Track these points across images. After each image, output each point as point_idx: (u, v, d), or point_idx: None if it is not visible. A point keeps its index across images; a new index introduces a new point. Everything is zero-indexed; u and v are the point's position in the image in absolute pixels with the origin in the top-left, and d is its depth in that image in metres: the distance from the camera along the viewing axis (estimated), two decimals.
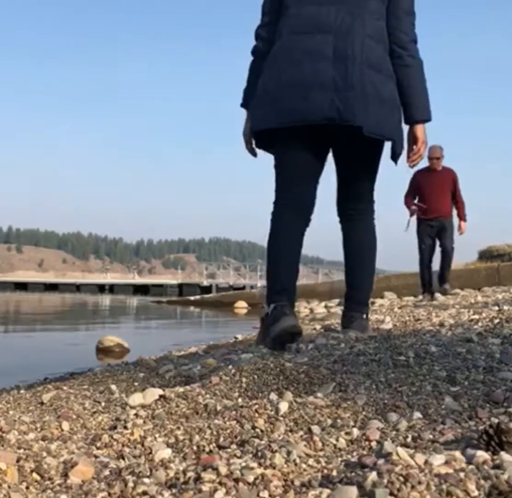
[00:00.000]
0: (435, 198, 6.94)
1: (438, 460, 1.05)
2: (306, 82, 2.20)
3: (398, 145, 2.39)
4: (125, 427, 1.50)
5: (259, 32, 2.41)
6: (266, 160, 2.70)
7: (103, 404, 1.85)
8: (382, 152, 2.46)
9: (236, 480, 1.06)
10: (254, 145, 2.49)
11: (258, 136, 2.43)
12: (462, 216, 7.20)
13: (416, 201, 7.14)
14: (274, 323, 2.26)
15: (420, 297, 7.32)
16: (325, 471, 1.11)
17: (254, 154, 2.54)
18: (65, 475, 1.22)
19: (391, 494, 0.92)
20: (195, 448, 1.36)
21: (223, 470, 1.09)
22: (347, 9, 2.24)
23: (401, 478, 0.95)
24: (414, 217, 7.17)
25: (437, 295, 7.28)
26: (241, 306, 12.47)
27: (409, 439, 1.26)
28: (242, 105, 2.50)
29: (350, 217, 2.50)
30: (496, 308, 3.68)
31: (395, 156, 2.42)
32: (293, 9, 2.29)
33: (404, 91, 2.35)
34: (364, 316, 2.58)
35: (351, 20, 2.24)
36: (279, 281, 2.33)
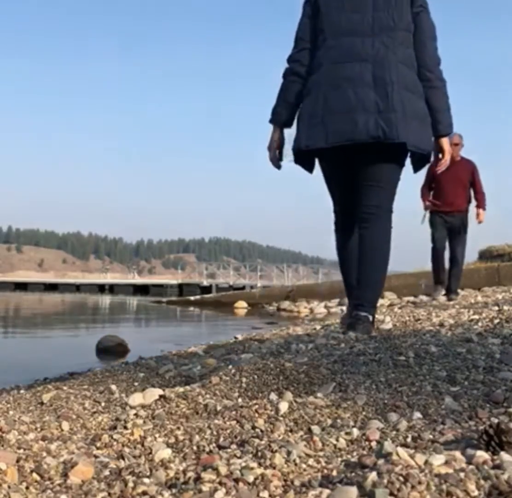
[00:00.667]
0: (450, 191, 6.40)
1: (438, 460, 1.05)
2: (351, 106, 2.47)
3: (430, 155, 2.68)
4: (125, 427, 1.50)
5: (294, 57, 2.64)
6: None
7: (103, 404, 1.85)
8: (405, 163, 2.69)
9: (236, 480, 1.06)
10: (291, 161, 2.73)
11: (299, 154, 2.65)
12: (481, 204, 6.54)
13: (432, 193, 6.61)
14: (351, 329, 2.55)
15: (432, 292, 6.90)
16: (325, 471, 1.11)
17: (278, 167, 2.79)
18: (65, 475, 1.22)
19: (391, 494, 0.92)
20: (195, 448, 1.36)
21: (223, 470, 1.09)
22: (380, 40, 2.52)
23: (401, 478, 0.95)
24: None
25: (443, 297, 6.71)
26: (241, 306, 12.47)
27: (409, 439, 1.26)
28: (271, 121, 2.70)
29: (367, 220, 2.65)
30: (496, 308, 3.68)
31: (425, 163, 2.73)
32: (331, 41, 2.55)
33: (431, 109, 2.63)
34: (370, 318, 2.59)
35: (385, 50, 2.52)
36: (351, 285, 2.72)
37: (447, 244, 6.68)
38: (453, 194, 6.41)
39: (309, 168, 2.74)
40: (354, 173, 2.67)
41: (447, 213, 6.48)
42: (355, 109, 2.47)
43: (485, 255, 15.47)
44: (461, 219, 6.49)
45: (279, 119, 2.68)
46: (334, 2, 2.56)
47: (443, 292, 6.63)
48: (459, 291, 7.00)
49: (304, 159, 2.69)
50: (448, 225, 6.49)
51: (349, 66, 2.50)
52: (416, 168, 2.71)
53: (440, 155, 2.74)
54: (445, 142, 2.71)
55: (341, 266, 2.81)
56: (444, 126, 2.67)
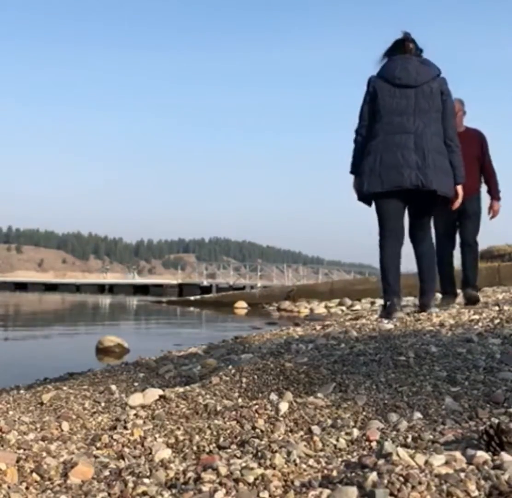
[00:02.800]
0: None
1: (438, 460, 1.05)
2: (399, 163, 3.57)
3: (451, 198, 3.82)
4: (125, 427, 1.50)
5: (359, 131, 3.74)
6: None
7: (103, 404, 1.85)
8: (435, 202, 3.81)
9: (236, 481, 1.06)
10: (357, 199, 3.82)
11: (364, 195, 3.75)
12: (494, 193, 5.12)
13: None
14: (389, 314, 3.54)
15: (439, 299, 5.25)
16: (325, 471, 1.11)
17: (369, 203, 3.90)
18: (65, 476, 1.22)
19: (391, 494, 0.92)
20: (195, 448, 1.36)
21: (223, 470, 1.09)
22: (420, 119, 3.62)
23: (401, 479, 0.95)
24: None
25: (459, 299, 5.20)
26: (241, 306, 12.46)
27: (409, 439, 1.25)
28: (352, 173, 3.85)
29: (421, 239, 3.84)
30: (497, 308, 3.68)
31: (449, 203, 3.85)
32: (386, 118, 3.64)
33: (451, 165, 3.73)
34: (431, 303, 3.80)
35: (423, 125, 3.62)
36: (390, 285, 3.68)
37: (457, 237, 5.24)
38: None
39: (368, 203, 3.82)
40: (403, 209, 3.78)
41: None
42: (402, 166, 3.55)
43: (486, 255, 15.46)
44: (471, 202, 4.97)
45: (354, 172, 3.80)
46: (388, 92, 3.64)
47: (456, 301, 5.14)
48: (458, 290, 5.32)
49: (366, 199, 3.79)
50: (454, 215, 4.98)
51: (398, 137, 3.61)
52: (450, 204, 3.86)
53: (456, 198, 3.82)
54: (460, 188, 3.78)
55: (385, 269, 3.76)
56: (459, 177, 3.75)
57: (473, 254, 5.24)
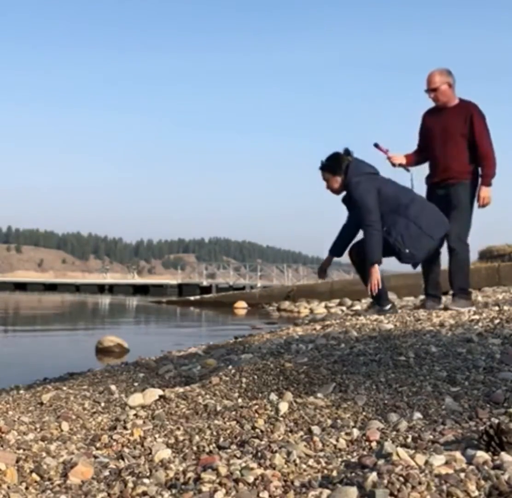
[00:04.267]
0: (442, 150, 4.26)
1: (438, 460, 1.05)
2: (438, 222, 4.30)
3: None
4: (125, 428, 1.50)
5: (376, 220, 4.26)
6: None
7: (102, 404, 1.85)
8: None
9: (236, 481, 1.06)
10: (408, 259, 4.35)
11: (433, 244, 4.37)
12: (486, 176, 4.18)
13: (429, 163, 4.49)
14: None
15: (420, 300, 4.94)
16: (325, 471, 1.11)
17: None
18: (65, 476, 1.22)
19: (391, 494, 0.92)
20: (195, 448, 1.36)
21: (223, 470, 1.09)
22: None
23: (401, 479, 0.95)
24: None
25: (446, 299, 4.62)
26: (241, 306, 12.46)
27: (409, 440, 1.25)
28: (377, 262, 4.27)
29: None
30: (497, 308, 3.68)
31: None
32: (401, 196, 4.35)
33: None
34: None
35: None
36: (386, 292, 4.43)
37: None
38: (445, 155, 4.28)
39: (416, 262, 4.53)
40: None
41: (440, 184, 4.35)
42: (440, 225, 4.30)
43: (485, 255, 15.47)
44: (459, 189, 4.26)
45: (380, 260, 4.27)
46: (386, 181, 4.41)
47: (438, 305, 4.30)
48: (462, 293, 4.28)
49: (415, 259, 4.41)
50: (442, 204, 4.26)
51: (416, 204, 4.31)
52: None
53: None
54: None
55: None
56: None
57: (457, 258, 4.30)
